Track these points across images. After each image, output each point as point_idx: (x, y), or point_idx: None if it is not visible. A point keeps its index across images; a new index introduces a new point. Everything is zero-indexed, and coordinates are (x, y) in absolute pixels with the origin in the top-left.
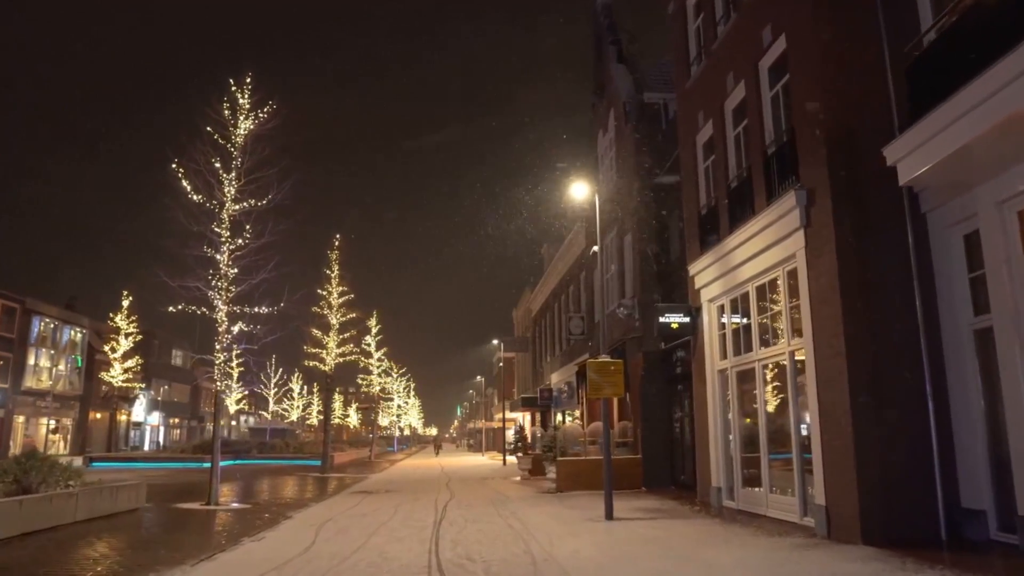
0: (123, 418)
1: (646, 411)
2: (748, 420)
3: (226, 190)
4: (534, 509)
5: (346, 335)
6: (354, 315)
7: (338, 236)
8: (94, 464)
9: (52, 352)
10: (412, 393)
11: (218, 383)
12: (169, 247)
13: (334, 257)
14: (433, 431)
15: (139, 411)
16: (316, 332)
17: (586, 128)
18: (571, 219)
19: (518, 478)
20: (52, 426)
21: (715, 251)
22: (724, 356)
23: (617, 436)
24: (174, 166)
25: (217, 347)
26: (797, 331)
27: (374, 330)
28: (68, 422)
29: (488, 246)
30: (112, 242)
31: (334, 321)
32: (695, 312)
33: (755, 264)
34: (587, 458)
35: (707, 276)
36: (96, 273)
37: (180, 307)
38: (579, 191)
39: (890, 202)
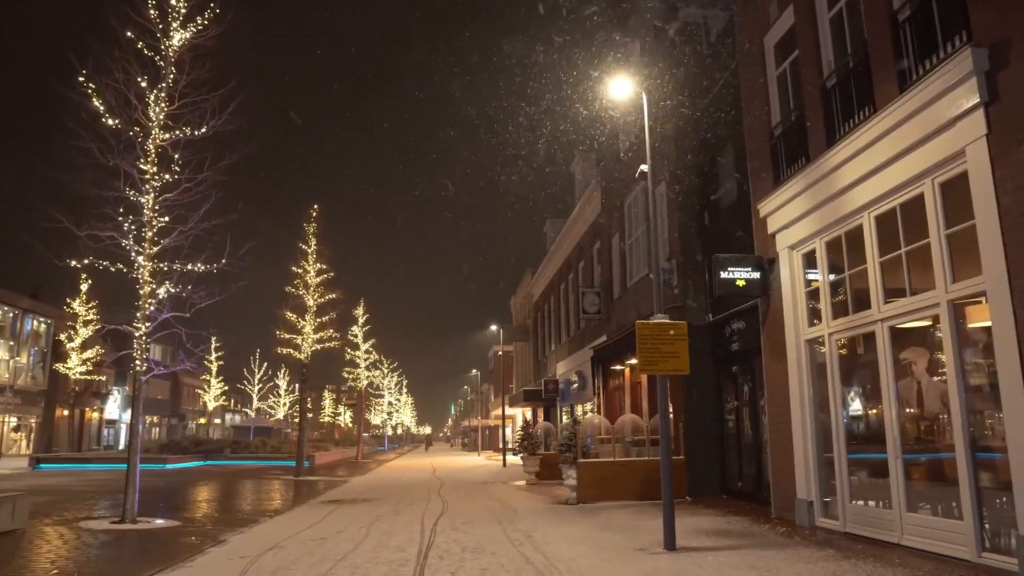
0: (94, 416)
1: (690, 401)
2: (860, 407)
3: (152, 114)
4: (555, 530)
5: (325, 319)
6: (334, 296)
7: (315, 207)
8: (40, 466)
9: (12, 344)
10: (404, 390)
11: (138, 362)
12: (73, 185)
13: (311, 230)
14: (427, 430)
15: (113, 408)
16: (290, 315)
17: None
18: (583, 179)
19: (523, 482)
20: (13, 424)
21: (802, 178)
22: (815, 320)
23: (650, 432)
24: (82, 79)
25: (137, 315)
26: (965, 269)
27: (361, 320)
28: (32, 420)
29: (486, 224)
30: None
31: (311, 303)
32: (767, 265)
33: (876, 183)
34: (617, 460)
35: (788, 214)
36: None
37: (87, 262)
38: (620, 89)
39: None
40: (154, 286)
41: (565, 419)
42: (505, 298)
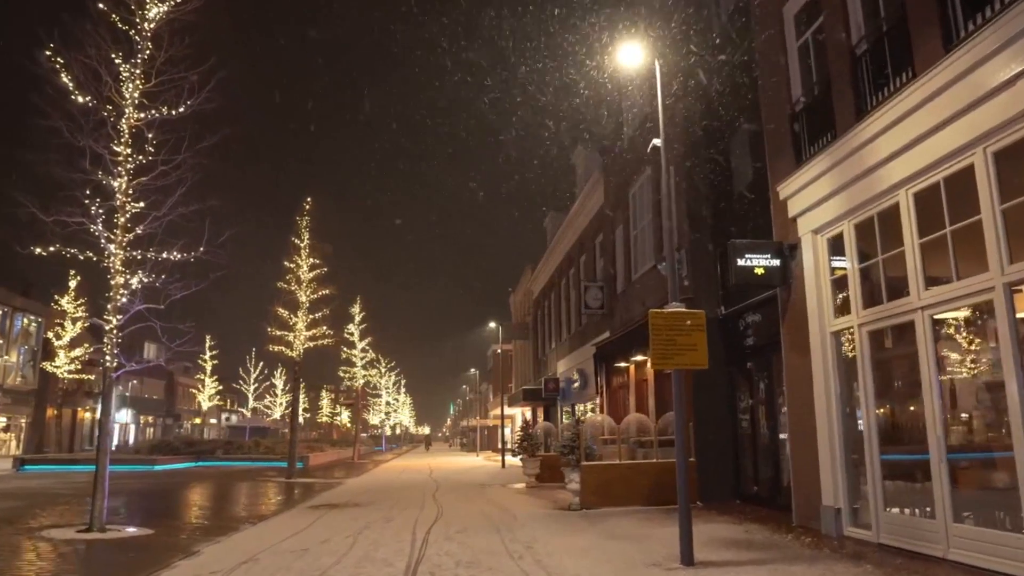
0: (87, 415)
1: (701, 399)
2: (894, 404)
3: (126, 92)
4: (559, 540)
5: (318, 315)
6: (327, 292)
7: (308, 200)
8: (25, 467)
9: (1, 342)
10: (402, 390)
11: (108, 357)
12: (40, 167)
13: (304, 224)
14: (426, 430)
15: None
16: (282, 311)
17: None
18: (584, 170)
19: (522, 485)
20: (3, 424)
21: (827, 156)
22: (843, 311)
23: (658, 433)
24: (49, 53)
25: (108, 307)
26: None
27: (357, 318)
28: (22, 420)
29: (485, 218)
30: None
31: (303, 299)
32: (788, 251)
33: (916, 156)
34: (623, 462)
35: (811, 196)
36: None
37: (52, 249)
38: (632, 57)
39: None
40: (128, 276)
41: (566, 419)
42: (504, 297)
